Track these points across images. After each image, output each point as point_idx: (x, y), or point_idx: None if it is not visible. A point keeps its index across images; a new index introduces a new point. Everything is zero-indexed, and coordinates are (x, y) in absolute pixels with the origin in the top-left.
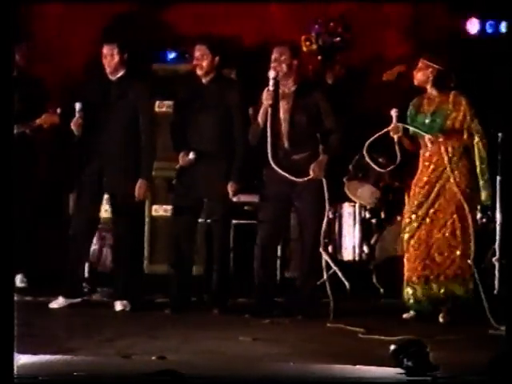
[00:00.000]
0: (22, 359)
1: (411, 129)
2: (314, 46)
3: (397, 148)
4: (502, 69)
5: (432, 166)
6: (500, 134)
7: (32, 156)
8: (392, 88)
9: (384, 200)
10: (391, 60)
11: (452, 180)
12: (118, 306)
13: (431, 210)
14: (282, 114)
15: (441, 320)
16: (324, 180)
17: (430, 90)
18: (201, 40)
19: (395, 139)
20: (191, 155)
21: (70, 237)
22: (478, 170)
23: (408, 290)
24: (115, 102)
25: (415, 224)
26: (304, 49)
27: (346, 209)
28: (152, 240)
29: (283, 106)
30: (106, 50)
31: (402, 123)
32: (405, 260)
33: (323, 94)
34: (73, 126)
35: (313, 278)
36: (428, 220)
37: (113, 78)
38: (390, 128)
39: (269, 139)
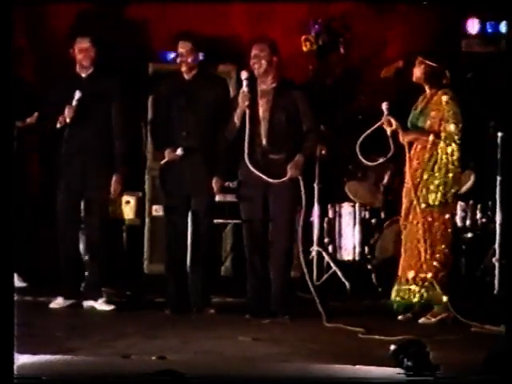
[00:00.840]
0: (21, 359)
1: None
2: (314, 46)
3: (390, 141)
4: (502, 69)
5: (414, 164)
6: (500, 134)
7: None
8: (389, 85)
9: (384, 200)
10: (389, 58)
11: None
12: (100, 305)
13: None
14: (261, 113)
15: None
16: (300, 179)
17: (425, 87)
18: (185, 37)
19: (388, 132)
20: (179, 151)
21: (59, 237)
22: (436, 173)
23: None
24: (88, 98)
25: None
26: (304, 49)
27: (346, 209)
28: (152, 240)
29: (262, 105)
30: (81, 44)
31: (393, 116)
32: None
33: (302, 93)
34: (66, 112)
35: (286, 277)
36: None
37: (84, 74)
38: (381, 121)
39: (246, 140)
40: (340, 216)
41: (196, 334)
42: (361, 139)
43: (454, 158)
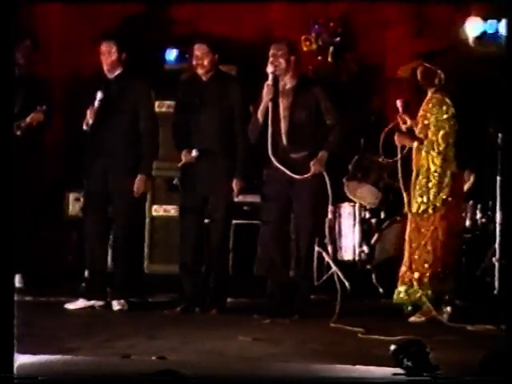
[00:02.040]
0: (21, 359)
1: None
2: (314, 46)
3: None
4: (502, 69)
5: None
6: (500, 134)
7: (38, 156)
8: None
9: (384, 200)
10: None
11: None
12: (116, 305)
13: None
14: (281, 111)
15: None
16: (326, 175)
17: (426, 89)
18: (201, 39)
19: (403, 129)
20: (194, 153)
21: (86, 238)
22: (418, 181)
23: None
24: (115, 100)
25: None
26: (304, 49)
27: (346, 209)
28: (152, 240)
29: (282, 103)
30: (103, 47)
31: (407, 114)
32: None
33: (323, 90)
34: (89, 113)
35: (309, 278)
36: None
37: (110, 76)
38: (397, 119)
39: (269, 135)
40: (340, 216)
41: (196, 334)
42: (382, 138)
43: (436, 165)
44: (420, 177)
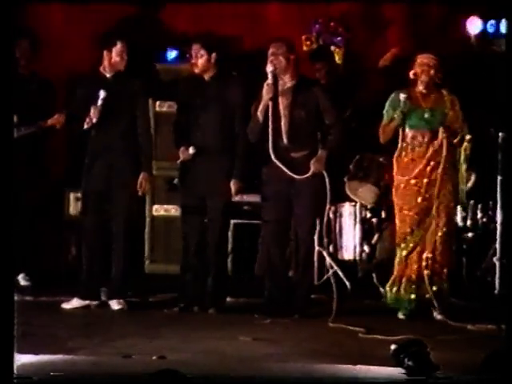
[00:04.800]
0: (22, 359)
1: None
2: (315, 46)
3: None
4: (502, 69)
5: (432, 164)
6: (500, 134)
7: (39, 155)
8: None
9: (384, 200)
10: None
11: (446, 178)
12: (116, 305)
13: (432, 221)
14: (281, 110)
15: None
16: (325, 174)
17: (424, 83)
18: (195, 39)
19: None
20: (191, 150)
21: (84, 237)
22: (461, 173)
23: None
24: (114, 98)
25: (411, 244)
26: (304, 48)
27: (347, 208)
28: (152, 240)
29: (282, 102)
30: (120, 47)
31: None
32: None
33: (322, 89)
34: (92, 112)
35: (309, 277)
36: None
37: (108, 75)
38: (400, 108)
39: (270, 134)
40: (341, 216)
41: (196, 334)
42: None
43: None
44: (463, 168)
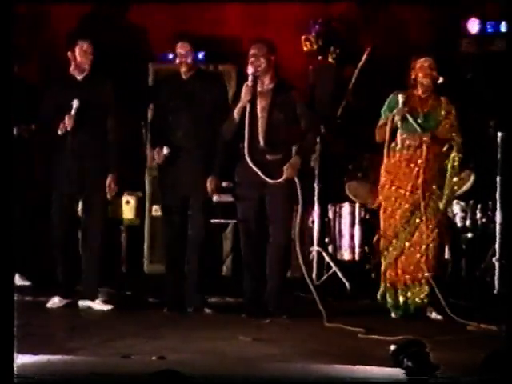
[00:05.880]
0: (21, 359)
1: (410, 120)
2: (315, 46)
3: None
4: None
5: (416, 169)
6: (500, 134)
7: (29, 157)
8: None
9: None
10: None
11: (432, 184)
12: (102, 306)
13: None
14: (259, 112)
15: None
16: (297, 180)
17: (424, 87)
18: (183, 38)
19: (399, 124)
20: (165, 150)
21: (54, 237)
22: (447, 181)
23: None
24: (84, 101)
25: (395, 252)
26: (304, 49)
27: (346, 209)
28: (152, 240)
29: (260, 104)
30: (82, 46)
31: (407, 109)
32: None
33: (299, 94)
34: (67, 121)
35: (281, 277)
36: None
37: (79, 77)
38: (395, 112)
39: (246, 136)
40: (340, 216)
41: (196, 334)
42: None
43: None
44: (449, 176)
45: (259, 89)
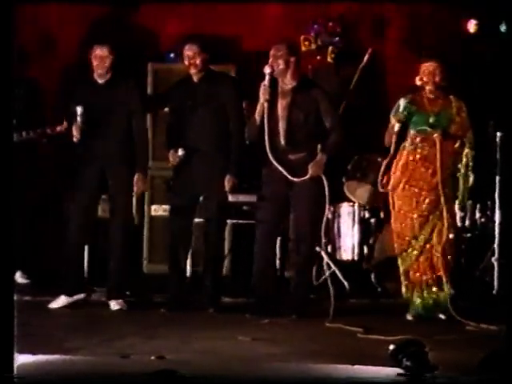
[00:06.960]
0: (21, 359)
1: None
2: (313, 46)
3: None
4: (501, 68)
5: (432, 168)
6: (499, 134)
7: (35, 160)
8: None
9: (383, 200)
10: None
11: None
12: (115, 305)
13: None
14: (279, 112)
15: None
16: (324, 178)
17: (431, 89)
18: (192, 39)
19: (396, 128)
20: (180, 152)
21: (69, 236)
22: (462, 177)
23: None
24: (107, 104)
25: (415, 252)
26: (303, 48)
27: (345, 209)
28: (151, 240)
29: (281, 103)
30: (98, 51)
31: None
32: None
33: (323, 92)
34: (74, 130)
35: (308, 278)
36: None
37: (101, 81)
38: (391, 115)
39: (266, 136)
40: (339, 216)
41: (196, 334)
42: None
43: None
44: (463, 172)
45: (280, 89)
